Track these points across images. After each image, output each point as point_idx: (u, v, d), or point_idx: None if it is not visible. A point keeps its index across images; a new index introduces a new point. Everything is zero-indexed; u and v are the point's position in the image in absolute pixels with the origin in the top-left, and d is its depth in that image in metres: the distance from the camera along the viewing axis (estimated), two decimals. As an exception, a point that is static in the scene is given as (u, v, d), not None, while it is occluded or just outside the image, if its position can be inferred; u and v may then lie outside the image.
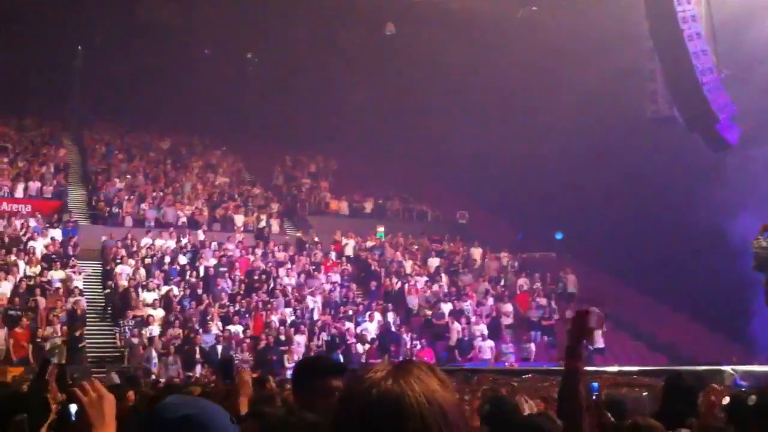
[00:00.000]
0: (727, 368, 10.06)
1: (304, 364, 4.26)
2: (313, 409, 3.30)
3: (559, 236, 31.60)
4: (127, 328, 21.24)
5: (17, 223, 25.23)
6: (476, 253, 29.87)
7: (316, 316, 23.56)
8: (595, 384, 6.69)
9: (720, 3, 22.59)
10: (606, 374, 11.45)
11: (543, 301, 26.21)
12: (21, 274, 22.26)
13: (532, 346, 23.93)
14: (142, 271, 23.90)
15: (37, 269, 22.73)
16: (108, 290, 23.52)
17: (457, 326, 23.72)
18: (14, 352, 19.64)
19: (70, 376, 14.05)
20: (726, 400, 5.93)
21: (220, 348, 20.78)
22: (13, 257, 22.90)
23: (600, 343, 24.14)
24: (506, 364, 22.05)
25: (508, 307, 25.64)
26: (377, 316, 23.89)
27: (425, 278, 26.94)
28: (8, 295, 21.19)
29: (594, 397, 6.40)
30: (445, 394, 1.56)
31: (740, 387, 9.57)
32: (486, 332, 23.76)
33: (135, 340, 20.59)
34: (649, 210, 26.84)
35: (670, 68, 23.25)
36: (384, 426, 1.51)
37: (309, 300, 24.04)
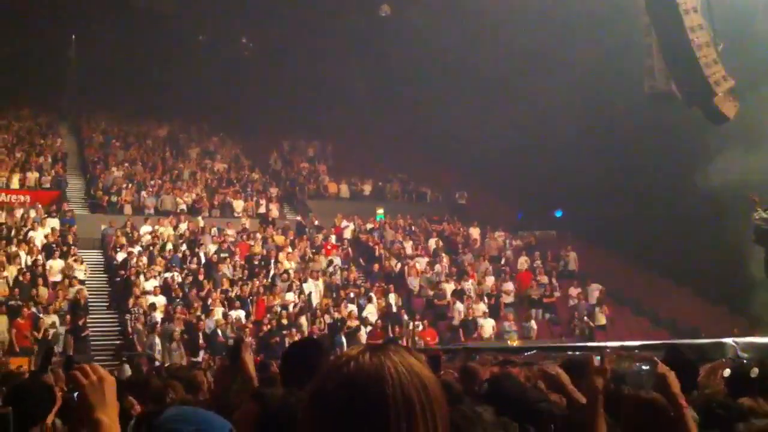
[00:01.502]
0: (729, 341, 10.08)
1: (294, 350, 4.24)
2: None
3: (558, 214, 31.63)
4: (134, 315, 21.28)
5: (17, 213, 25.23)
6: (475, 233, 29.89)
7: (317, 300, 23.59)
8: (598, 358, 6.70)
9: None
10: (608, 349, 11.49)
11: (544, 279, 26.27)
12: (22, 264, 22.27)
13: (533, 323, 24.01)
14: (144, 259, 23.91)
15: (38, 259, 22.74)
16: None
17: (459, 306, 23.78)
18: (17, 342, 19.68)
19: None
20: (726, 372, 5.94)
21: (219, 333, 20.83)
22: (13, 248, 22.91)
23: (602, 320, 24.26)
24: (509, 342, 22.12)
25: (509, 286, 25.71)
26: (377, 298, 23.94)
27: (426, 259, 26.97)
28: (9, 286, 21.22)
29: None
30: (423, 368, 1.55)
31: (742, 359, 9.59)
32: (486, 311, 23.84)
33: (140, 327, 20.65)
34: (648, 185, 26.84)
35: (666, 43, 23.16)
36: (365, 395, 1.49)
37: (310, 283, 24.07)
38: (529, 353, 13.02)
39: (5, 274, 21.52)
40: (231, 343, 19.81)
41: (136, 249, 24.37)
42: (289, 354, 4.15)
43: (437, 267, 26.46)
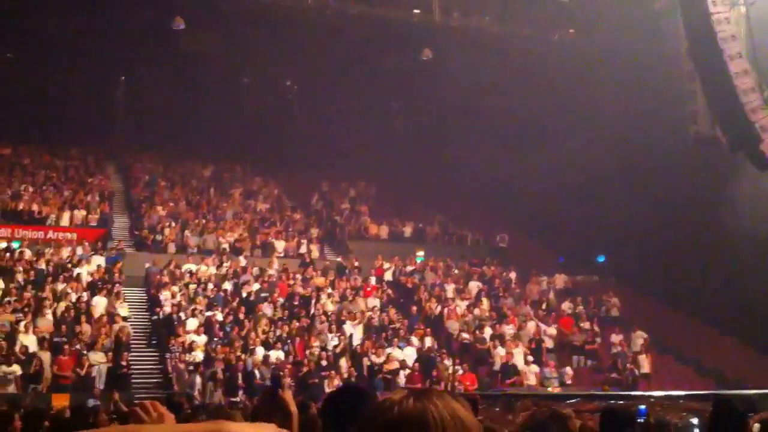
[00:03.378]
0: (778, 392, 9.84)
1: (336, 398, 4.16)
2: None
3: (600, 259, 31.32)
4: (175, 354, 21.42)
5: (65, 251, 25.67)
6: (516, 276, 29.67)
7: (356, 341, 23.53)
8: (643, 407, 6.59)
9: (761, 21, 22.35)
10: (652, 399, 11.27)
11: (586, 324, 25.94)
12: (66, 301, 22.59)
13: (569, 369, 23.70)
14: (186, 297, 24.12)
15: (82, 296, 23.05)
16: (155, 317, 23.75)
17: (500, 351, 23.54)
18: (59, 379, 19.88)
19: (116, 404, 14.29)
20: (756, 427, 5.72)
21: (257, 373, 20.84)
22: (60, 285, 23.27)
23: (646, 368, 23.82)
24: (550, 389, 21.82)
25: (551, 331, 25.42)
26: (416, 341, 23.81)
27: (466, 302, 26.81)
28: (54, 322, 21.53)
29: (642, 420, 6.29)
30: (467, 413, 1.55)
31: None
32: (530, 358, 23.58)
33: (181, 366, 20.77)
34: (692, 231, 26.48)
35: (711, 89, 23.03)
36: None
37: (349, 325, 24.04)
38: (571, 401, 12.82)
39: (50, 311, 21.85)
40: (268, 383, 19.85)
41: (179, 287, 24.59)
42: (333, 400, 4.12)
43: (477, 311, 26.27)
